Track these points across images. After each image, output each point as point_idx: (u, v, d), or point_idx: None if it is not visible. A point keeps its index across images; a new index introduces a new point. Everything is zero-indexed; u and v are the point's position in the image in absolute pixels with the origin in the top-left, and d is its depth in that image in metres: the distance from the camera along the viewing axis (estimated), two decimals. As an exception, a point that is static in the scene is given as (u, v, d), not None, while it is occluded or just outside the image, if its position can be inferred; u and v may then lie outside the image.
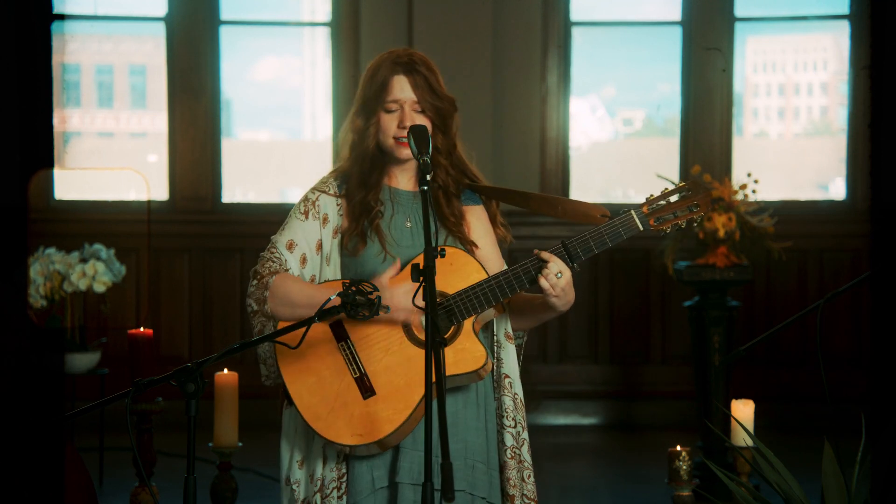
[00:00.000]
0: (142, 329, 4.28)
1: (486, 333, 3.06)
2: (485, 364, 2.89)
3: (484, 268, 2.94)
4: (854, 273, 7.39)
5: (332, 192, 3.04)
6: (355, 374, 2.90)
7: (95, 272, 5.94)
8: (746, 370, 7.24)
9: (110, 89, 8.38)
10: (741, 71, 7.98)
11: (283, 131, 8.72)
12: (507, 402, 3.01)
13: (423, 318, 2.84)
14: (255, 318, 2.99)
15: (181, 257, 7.65)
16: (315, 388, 2.91)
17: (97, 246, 6.10)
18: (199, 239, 7.66)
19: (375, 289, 2.66)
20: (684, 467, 3.55)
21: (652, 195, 2.94)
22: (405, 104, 2.99)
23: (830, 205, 7.78)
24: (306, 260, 3.00)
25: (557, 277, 2.86)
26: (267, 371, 3.04)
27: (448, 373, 2.86)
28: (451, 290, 2.90)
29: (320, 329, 2.90)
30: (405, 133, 2.94)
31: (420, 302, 2.61)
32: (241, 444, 3.94)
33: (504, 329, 3.04)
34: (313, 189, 3.07)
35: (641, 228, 2.90)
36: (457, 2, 7.49)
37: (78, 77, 8.29)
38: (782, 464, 3.14)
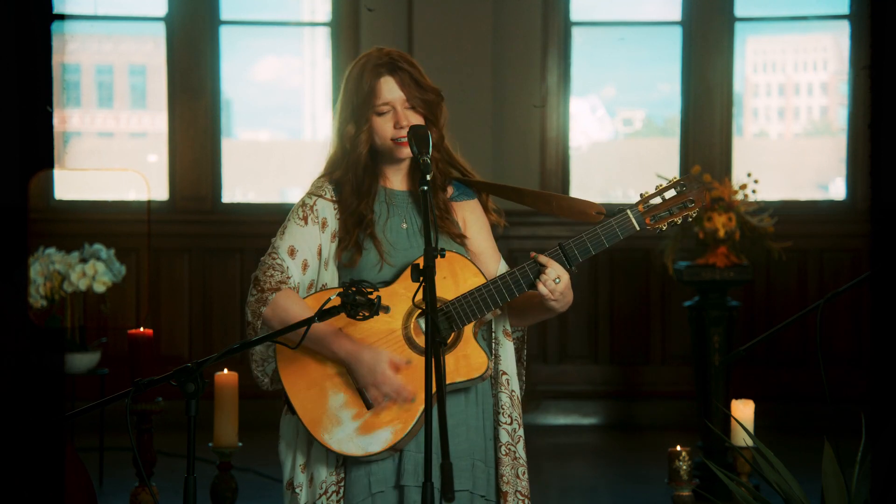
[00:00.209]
0: (142, 329, 4.28)
1: (485, 331, 3.06)
2: (486, 371, 2.89)
3: (482, 272, 2.93)
4: (854, 273, 7.39)
5: (328, 196, 3.03)
6: (357, 384, 2.90)
7: (95, 272, 5.94)
8: (746, 370, 7.24)
9: (110, 89, 8.38)
10: (741, 71, 7.98)
11: (283, 131, 8.72)
12: (504, 398, 3.01)
13: (422, 323, 2.85)
14: (248, 329, 2.98)
15: (181, 257, 7.65)
16: (318, 398, 2.91)
17: (97, 246, 6.10)
18: (199, 239, 7.66)
19: (375, 289, 2.66)
20: (684, 467, 3.55)
21: (646, 192, 2.91)
22: (396, 104, 2.97)
23: (830, 205, 7.78)
24: (307, 266, 2.98)
25: (556, 283, 2.85)
26: (262, 376, 3.04)
27: (449, 380, 2.86)
28: (449, 296, 2.89)
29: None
30: (403, 133, 2.94)
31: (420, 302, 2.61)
32: (241, 444, 3.93)
33: (503, 326, 3.04)
34: (310, 194, 3.04)
35: (638, 228, 2.89)
36: (457, 2, 7.49)
37: (78, 77, 8.29)
38: (782, 464, 3.14)
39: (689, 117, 7.71)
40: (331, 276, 2.99)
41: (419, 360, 2.87)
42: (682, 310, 6.58)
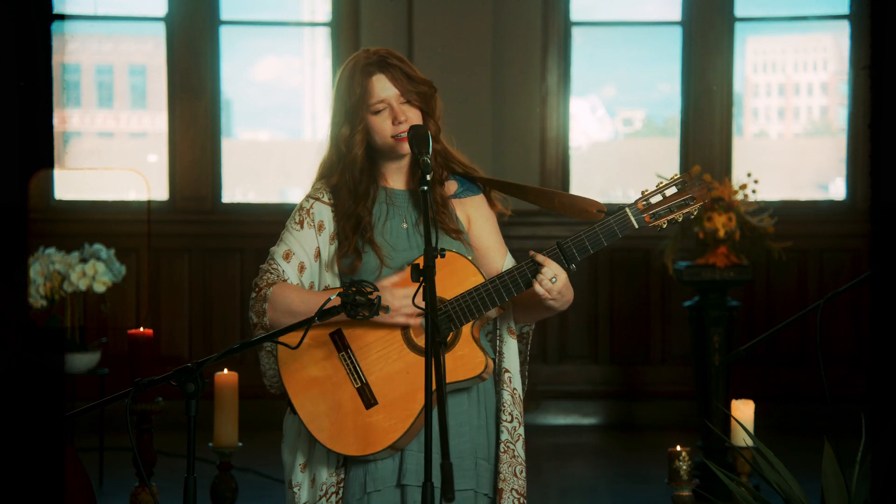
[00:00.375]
0: (142, 329, 4.27)
1: (488, 328, 3.06)
2: (485, 369, 2.89)
3: (480, 271, 2.92)
4: (854, 273, 7.39)
5: (325, 199, 3.03)
6: (357, 384, 2.90)
7: (95, 272, 5.94)
8: (746, 370, 7.24)
9: (110, 89, 8.38)
10: (741, 71, 7.98)
11: (283, 131, 8.72)
12: (506, 396, 3.01)
13: (422, 321, 2.84)
14: (255, 331, 2.99)
15: (181, 257, 7.65)
16: (318, 398, 2.92)
17: (97, 246, 6.10)
18: (199, 239, 7.66)
19: (375, 289, 2.66)
20: (684, 467, 3.55)
21: (647, 190, 2.89)
22: (391, 101, 2.97)
23: (830, 205, 7.78)
24: (304, 268, 3.00)
25: (553, 282, 2.84)
26: (269, 382, 3.05)
27: (448, 379, 2.86)
28: (448, 295, 2.89)
29: (321, 338, 2.92)
30: (402, 128, 2.94)
31: (420, 302, 2.61)
32: (241, 444, 3.93)
33: (507, 324, 3.03)
34: (307, 197, 3.05)
35: (637, 227, 2.87)
36: (457, 2, 7.49)
37: (78, 77, 8.29)
38: (782, 464, 3.14)
39: (689, 117, 7.71)
40: (332, 279, 3.00)
41: (415, 359, 2.88)
42: (682, 310, 6.58)
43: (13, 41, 2.19)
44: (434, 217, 2.78)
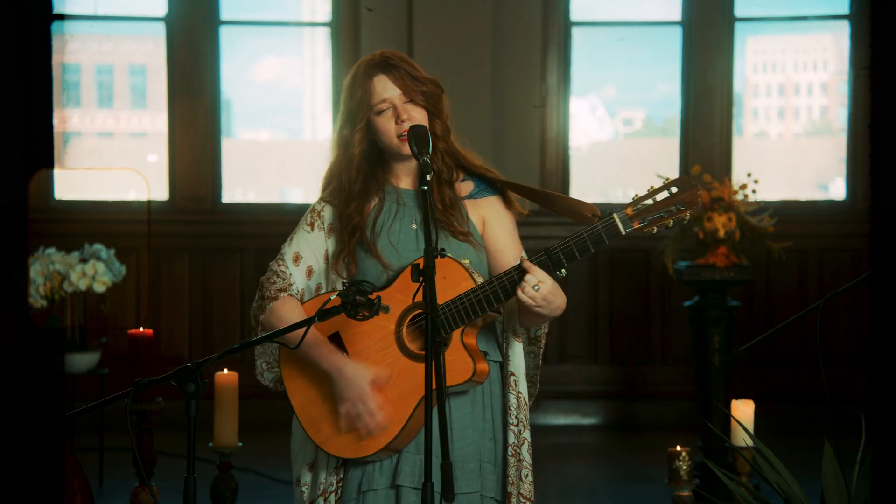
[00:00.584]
0: (142, 329, 4.27)
1: (490, 331, 3.05)
2: (473, 374, 2.86)
3: (473, 276, 2.88)
4: (854, 273, 7.39)
5: (335, 202, 3.05)
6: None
7: (95, 272, 5.94)
8: (746, 370, 7.24)
9: (110, 89, 8.39)
10: (741, 71, 7.98)
11: (283, 131, 8.72)
12: (512, 399, 3.00)
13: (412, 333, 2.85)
14: (254, 332, 3.02)
15: (181, 257, 7.65)
16: (316, 401, 2.94)
17: (97, 246, 6.10)
18: (199, 239, 7.66)
19: (375, 289, 2.66)
20: (684, 467, 3.55)
21: (637, 195, 2.82)
22: (395, 100, 2.96)
23: (830, 205, 7.78)
24: (312, 272, 3.03)
25: (536, 289, 2.78)
26: (265, 382, 3.08)
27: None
28: (438, 301, 2.88)
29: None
30: (405, 128, 2.93)
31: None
32: (241, 444, 3.93)
33: (513, 327, 3.02)
34: (320, 199, 3.08)
35: (623, 233, 2.79)
36: (457, 2, 7.49)
37: (78, 77, 8.29)
38: (782, 464, 3.14)
39: (689, 117, 7.72)
40: (342, 283, 3.01)
41: (409, 364, 2.88)
42: (682, 310, 6.58)
43: (13, 41, 2.19)
44: (434, 217, 2.78)
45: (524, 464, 2.99)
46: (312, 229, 3.03)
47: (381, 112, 2.98)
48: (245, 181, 8.19)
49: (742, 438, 3.68)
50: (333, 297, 2.69)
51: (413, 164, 3.03)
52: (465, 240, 3.00)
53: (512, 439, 2.99)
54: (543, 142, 7.70)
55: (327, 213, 3.04)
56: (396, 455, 2.94)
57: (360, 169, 3.02)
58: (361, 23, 7.60)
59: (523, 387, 3.02)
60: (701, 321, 5.97)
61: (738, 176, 6.91)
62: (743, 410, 3.85)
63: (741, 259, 5.93)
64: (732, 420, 3.77)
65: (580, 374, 7.65)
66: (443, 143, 3.03)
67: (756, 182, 5.93)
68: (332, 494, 2.96)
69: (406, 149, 2.95)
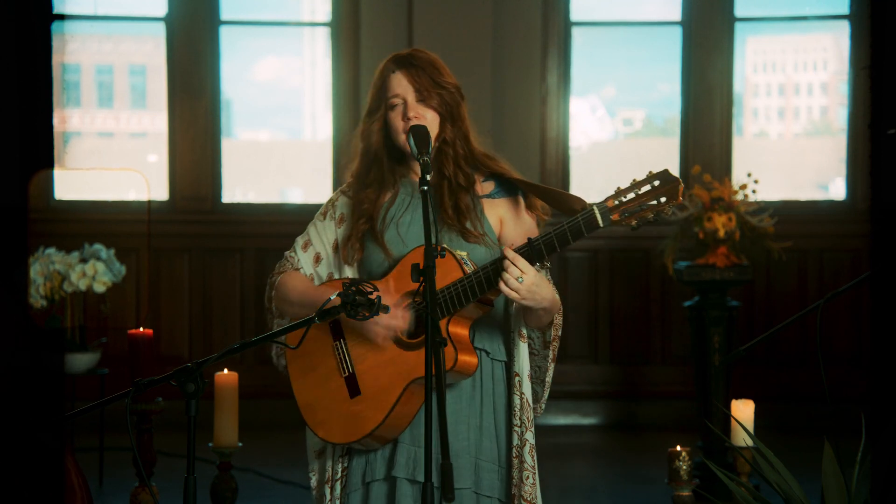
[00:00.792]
0: (142, 329, 4.27)
1: (502, 330, 3.04)
2: (455, 364, 2.84)
3: (462, 268, 2.86)
4: (854, 273, 7.39)
5: (350, 193, 3.09)
6: (345, 373, 2.94)
7: (95, 272, 5.94)
8: (746, 370, 7.24)
9: (110, 89, 8.39)
10: (741, 71, 7.98)
11: (283, 131, 8.72)
12: (515, 400, 3.00)
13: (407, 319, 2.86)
14: (267, 316, 3.10)
15: (181, 257, 7.65)
16: (313, 385, 2.98)
17: (97, 246, 6.10)
18: (199, 239, 7.66)
19: (375, 288, 2.66)
20: (684, 467, 3.55)
21: (620, 187, 2.79)
22: (407, 96, 2.98)
23: (830, 205, 7.79)
24: (320, 259, 3.07)
25: (520, 282, 2.76)
26: (280, 367, 3.14)
27: (416, 374, 2.84)
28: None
29: (323, 328, 2.95)
30: (409, 125, 2.95)
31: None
32: (241, 444, 3.93)
33: (518, 327, 3.02)
34: (338, 190, 3.14)
35: (602, 225, 2.76)
36: (457, 2, 7.49)
37: (78, 77, 8.30)
38: (782, 464, 3.14)
39: (689, 117, 7.72)
40: (351, 270, 3.04)
41: (398, 353, 2.88)
42: (682, 310, 6.58)
43: (13, 41, 2.19)
44: (434, 217, 2.78)
45: (525, 466, 2.98)
46: (325, 218, 3.09)
47: (393, 107, 3.00)
48: (245, 181, 8.19)
49: (742, 438, 3.68)
50: (333, 297, 2.70)
51: None
52: (476, 241, 2.98)
53: (515, 440, 2.99)
54: (543, 142, 7.70)
55: (341, 202, 3.09)
56: (391, 445, 2.95)
57: (376, 158, 3.04)
58: (361, 23, 7.60)
59: (527, 388, 3.02)
60: (701, 321, 5.97)
61: (738, 176, 6.91)
62: (743, 410, 3.85)
63: (741, 259, 5.93)
64: (732, 420, 3.77)
65: (580, 374, 7.66)
66: (456, 149, 3.03)
67: (756, 182, 5.93)
68: (338, 483, 3.00)
69: (408, 146, 2.95)
